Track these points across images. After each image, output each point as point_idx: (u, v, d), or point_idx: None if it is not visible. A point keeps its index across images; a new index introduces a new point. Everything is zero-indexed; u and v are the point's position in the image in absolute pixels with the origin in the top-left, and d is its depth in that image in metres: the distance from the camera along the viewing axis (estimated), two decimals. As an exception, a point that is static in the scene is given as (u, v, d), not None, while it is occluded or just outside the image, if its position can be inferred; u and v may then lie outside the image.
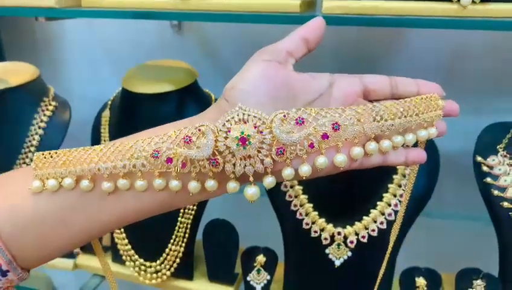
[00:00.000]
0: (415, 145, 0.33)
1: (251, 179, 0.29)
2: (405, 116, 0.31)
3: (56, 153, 0.30)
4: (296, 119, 0.28)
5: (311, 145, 0.28)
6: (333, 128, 0.28)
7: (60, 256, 0.32)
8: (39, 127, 0.62)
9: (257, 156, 0.28)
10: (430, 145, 0.54)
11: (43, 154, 0.30)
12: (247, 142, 0.27)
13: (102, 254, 0.37)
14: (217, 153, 0.28)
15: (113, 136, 0.60)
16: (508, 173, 0.51)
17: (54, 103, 0.64)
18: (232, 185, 0.29)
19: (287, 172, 0.29)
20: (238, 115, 0.28)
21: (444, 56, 0.67)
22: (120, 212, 0.30)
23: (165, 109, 0.55)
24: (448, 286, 0.58)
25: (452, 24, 0.40)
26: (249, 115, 0.28)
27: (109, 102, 0.62)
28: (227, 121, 0.28)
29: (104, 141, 0.60)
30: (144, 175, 0.29)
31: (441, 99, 0.33)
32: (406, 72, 0.69)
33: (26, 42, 0.88)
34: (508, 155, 0.52)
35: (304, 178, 0.29)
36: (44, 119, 0.62)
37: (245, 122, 0.27)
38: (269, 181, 0.29)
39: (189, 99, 0.56)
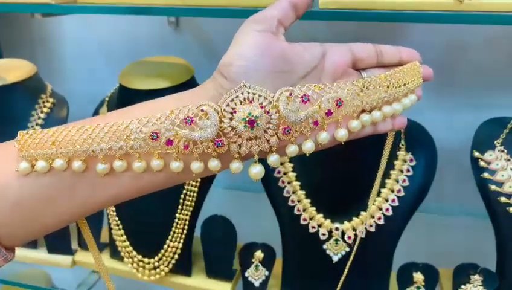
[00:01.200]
0: None
1: (256, 158, 0.28)
2: (395, 87, 0.31)
3: (42, 131, 0.28)
4: (302, 96, 0.28)
5: (316, 123, 0.28)
6: (337, 104, 0.28)
7: (46, 234, 0.30)
8: (37, 124, 0.62)
9: (264, 136, 0.27)
10: (427, 140, 0.55)
11: (27, 133, 0.28)
12: (255, 124, 0.27)
13: (98, 253, 0.37)
14: (221, 134, 0.27)
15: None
16: (505, 168, 0.51)
17: (51, 100, 0.64)
18: (236, 165, 0.28)
19: (291, 149, 0.28)
20: (242, 94, 0.27)
21: (441, 51, 0.67)
22: (115, 192, 0.29)
23: (162, 105, 0.54)
24: (446, 281, 0.58)
25: (449, 18, 0.40)
26: (254, 94, 0.27)
27: (106, 98, 0.62)
28: (231, 101, 0.27)
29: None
30: (142, 156, 0.28)
31: (420, 66, 0.34)
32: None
33: (22, 39, 0.88)
34: (505, 150, 0.52)
35: (307, 154, 0.29)
36: (42, 116, 0.62)
37: (250, 102, 0.27)
38: (274, 159, 0.28)
39: (187, 96, 0.56)
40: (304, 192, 0.54)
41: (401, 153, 0.52)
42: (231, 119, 0.27)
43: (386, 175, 0.52)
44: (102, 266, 0.39)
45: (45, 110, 0.63)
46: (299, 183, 0.54)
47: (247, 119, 0.26)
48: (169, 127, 0.27)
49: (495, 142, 0.53)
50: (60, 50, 0.88)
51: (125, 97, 0.56)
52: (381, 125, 0.33)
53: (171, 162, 0.28)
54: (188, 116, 0.27)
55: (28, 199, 0.28)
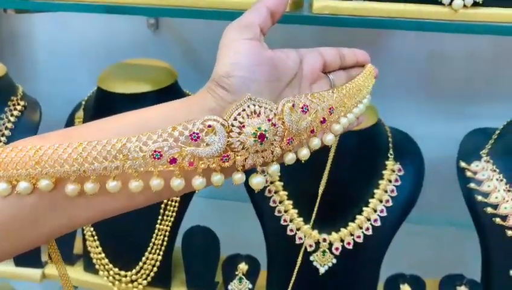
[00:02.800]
0: None
1: (258, 169, 0.28)
2: (361, 90, 0.34)
3: (23, 149, 0.25)
4: (302, 107, 0.28)
5: (313, 131, 0.29)
6: (329, 112, 0.30)
7: (20, 253, 0.27)
8: (6, 128, 0.58)
9: (269, 148, 0.27)
10: (414, 150, 0.54)
11: (3, 150, 0.25)
12: (265, 138, 0.26)
13: (62, 264, 0.34)
14: (228, 149, 0.26)
15: (88, 138, 0.56)
16: (491, 179, 0.51)
17: (22, 103, 0.60)
18: (238, 176, 0.27)
19: (289, 157, 0.29)
20: (249, 107, 0.26)
21: (425, 61, 0.67)
22: (103, 211, 0.27)
23: (144, 110, 0.52)
24: (432, 291, 0.57)
25: (443, 27, 0.40)
26: (260, 106, 0.26)
27: (83, 102, 0.59)
28: (238, 115, 0.26)
29: (77, 143, 0.57)
30: (140, 175, 0.26)
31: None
32: (388, 76, 0.69)
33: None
34: (490, 161, 0.52)
35: (303, 161, 0.30)
36: (11, 120, 0.58)
37: (258, 115, 0.26)
38: (274, 168, 0.28)
39: (169, 100, 0.53)
40: (291, 202, 0.52)
41: (390, 163, 0.52)
42: (239, 133, 0.26)
43: (375, 185, 0.51)
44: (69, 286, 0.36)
45: (15, 113, 0.59)
46: (286, 193, 0.52)
47: (257, 134, 0.26)
48: (172, 144, 0.25)
49: (481, 152, 0.53)
50: (31, 49, 0.83)
51: (104, 101, 0.53)
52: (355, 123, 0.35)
53: (172, 179, 0.26)
54: (193, 132, 0.25)
55: (6, 223, 0.25)
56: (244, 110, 0.26)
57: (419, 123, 0.68)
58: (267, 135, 0.26)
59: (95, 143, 0.25)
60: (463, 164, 0.53)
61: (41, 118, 0.61)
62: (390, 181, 0.51)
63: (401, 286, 0.52)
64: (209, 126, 0.25)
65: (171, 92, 0.54)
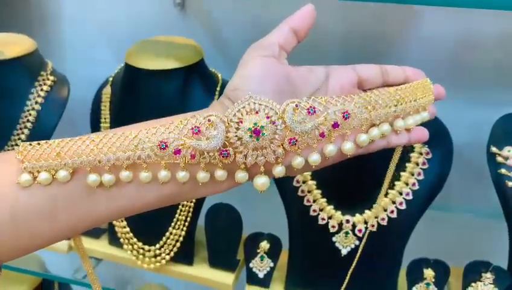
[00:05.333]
0: None
1: (261, 169, 0.28)
2: (405, 102, 0.32)
3: (47, 142, 0.27)
4: (308, 108, 0.28)
5: (322, 135, 0.28)
6: (343, 117, 0.29)
7: (38, 250, 0.29)
8: (36, 102, 0.59)
9: (269, 146, 0.27)
10: (443, 133, 0.53)
11: (30, 144, 0.27)
12: (260, 134, 0.27)
13: (86, 255, 0.36)
14: (227, 144, 0.27)
15: (115, 113, 0.57)
16: (523, 165, 0.49)
17: (52, 78, 0.61)
18: (241, 175, 0.28)
19: (297, 161, 0.28)
20: (249, 105, 0.27)
21: (455, 45, 0.65)
22: (120, 206, 0.28)
23: (170, 86, 0.52)
24: (455, 279, 0.56)
25: (474, 2, 0.38)
26: (260, 105, 0.27)
27: (110, 78, 0.60)
28: (237, 111, 0.27)
29: (105, 118, 0.58)
30: (149, 166, 0.28)
31: (432, 84, 0.35)
32: (416, 62, 0.67)
33: (21, 19, 0.85)
34: (523, 146, 0.50)
35: (313, 167, 0.29)
36: (41, 94, 0.59)
37: (256, 113, 0.27)
38: (279, 170, 0.29)
39: (195, 78, 0.53)
40: (315, 182, 0.52)
41: (417, 145, 0.51)
42: (237, 129, 0.27)
43: (401, 168, 0.50)
44: (90, 270, 0.38)
45: (45, 88, 0.60)
46: (310, 173, 0.52)
47: (252, 129, 0.27)
48: (177, 136, 0.27)
49: (513, 137, 0.51)
50: (59, 31, 0.84)
51: (131, 77, 0.54)
52: (395, 138, 0.33)
53: (177, 172, 0.28)
54: (195, 126, 0.27)
55: (27, 212, 0.27)
56: (243, 107, 0.27)
57: (448, 109, 0.66)
58: (263, 131, 0.27)
59: (111, 135, 0.27)
60: (494, 149, 0.51)
61: (69, 94, 0.62)
62: (417, 164, 0.50)
63: (425, 270, 0.52)
64: (209, 120, 0.27)
65: (197, 70, 0.54)
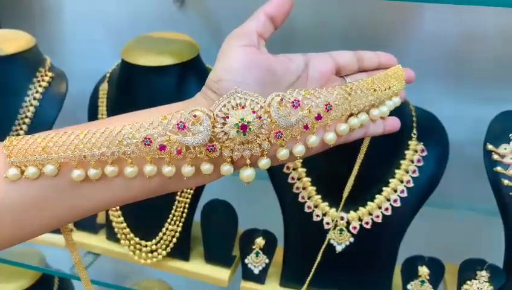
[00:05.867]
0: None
1: (248, 162, 0.28)
2: (381, 90, 0.33)
3: (32, 136, 0.27)
4: (292, 101, 0.28)
5: (306, 127, 0.29)
6: (326, 108, 0.29)
7: (30, 239, 0.30)
8: (34, 98, 0.59)
9: (256, 141, 0.28)
10: (439, 131, 0.53)
11: (16, 138, 0.27)
12: (247, 129, 0.27)
13: (74, 245, 0.37)
14: (214, 139, 0.27)
15: (111, 109, 0.57)
16: (520, 163, 0.49)
17: (50, 74, 0.61)
18: (226, 168, 0.29)
19: (282, 153, 0.29)
20: (234, 99, 0.27)
21: (454, 40, 0.65)
22: (106, 199, 0.29)
23: (165, 82, 0.52)
24: (450, 276, 0.56)
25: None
26: (246, 99, 0.27)
27: (107, 74, 0.60)
28: (223, 106, 0.27)
29: (102, 114, 0.58)
30: (134, 161, 0.28)
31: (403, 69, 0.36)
32: (415, 57, 0.67)
33: (22, 14, 0.85)
34: (520, 144, 0.50)
35: (298, 158, 0.30)
36: (40, 90, 0.60)
37: (243, 107, 0.27)
38: (264, 162, 0.29)
39: (191, 74, 0.54)
40: (309, 179, 0.52)
41: (412, 143, 0.50)
42: (224, 124, 0.27)
43: (396, 165, 0.50)
44: (82, 271, 0.39)
45: (43, 84, 0.60)
46: (304, 170, 0.52)
47: (239, 124, 0.27)
48: (162, 132, 0.27)
49: (510, 135, 0.51)
50: (60, 26, 0.85)
51: (127, 73, 0.54)
52: (372, 127, 0.34)
53: (163, 167, 0.28)
54: (180, 122, 0.27)
55: (15, 205, 0.27)
56: (229, 102, 0.27)
57: (446, 105, 0.66)
58: (250, 126, 0.27)
59: (95, 130, 0.27)
60: (490, 147, 0.51)
61: (68, 90, 0.63)
62: (412, 161, 0.50)
63: (419, 268, 0.51)
64: (195, 116, 0.26)
65: (192, 66, 0.54)
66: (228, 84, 0.28)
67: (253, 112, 0.27)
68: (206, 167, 0.28)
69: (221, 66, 0.29)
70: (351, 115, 0.32)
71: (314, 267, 0.52)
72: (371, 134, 0.34)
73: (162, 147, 0.27)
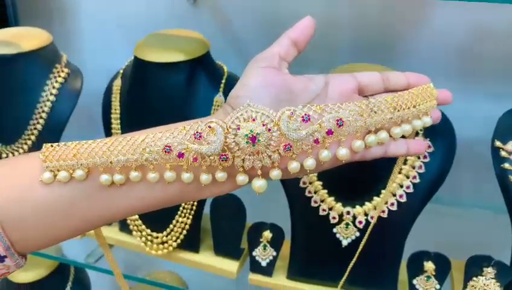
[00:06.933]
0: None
1: (259, 172, 0.30)
2: (403, 109, 0.32)
3: (66, 144, 0.30)
4: (303, 116, 0.29)
5: (317, 141, 0.30)
6: (337, 124, 0.30)
7: (59, 243, 0.32)
8: (51, 94, 0.61)
9: (265, 152, 0.29)
10: (447, 127, 0.53)
11: (51, 145, 0.30)
12: (256, 140, 0.29)
13: (107, 246, 0.39)
14: (226, 149, 0.29)
15: (124, 103, 0.59)
16: (528, 160, 0.49)
17: (66, 70, 0.63)
18: (241, 178, 0.30)
19: (293, 165, 0.30)
20: (246, 112, 0.29)
21: (464, 37, 0.64)
22: (129, 204, 0.31)
23: (176, 78, 0.54)
24: (457, 273, 0.56)
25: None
26: (257, 112, 0.29)
27: (121, 71, 0.62)
28: (236, 118, 0.29)
29: (115, 109, 0.60)
30: (156, 168, 0.30)
31: (435, 89, 0.35)
32: (424, 53, 0.66)
33: (40, 12, 0.88)
34: (528, 141, 0.50)
35: (309, 171, 0.31)
36: (56, 86, 0.62)
37: (253, 120, 0.29)
38: (275, 174, 0.30)
39: (201, 70, 0.55)
40: (316, 174, 0.53)
41: (419, 139, 0.51)
42: (235, 135, 0.29)
43: (402, 160, 0.50)
44: (116, 269, 0.42)
45: (59, 80, 0.62)
46: (311, 164, 0.53)
47: (249, 135, 0.28)
48: (181, 141, 0.29)
49: (518, 132, 0.51)
50: (76, 24, 0.87)
51: (139, 69, 0.56)
52: (393, 147, 0.34)
53: (182, 173, 0.30)
54: (197, 132, 0.29)
55: (47, 207, 0.30)
56: (242, 114, 0.29)
57: (456, 102, 0.65)
58: (259, 138, 0.29)
59: (121, 139, 0.30)
60: (498, 143, 0.51)
61: (83, 86, 0.65)
62: (418, 157, 0.50)
63: (425, 263, 0.52)
64: (210, 127, 0.29)
65: (202, 63, 0.55)
66: (244, 100, 0.30)
67: (263, 125, 0.29)
68: (220, 175, 0.30)
69: (240, 84, 0.32)
70: (370, 132, 0.32)
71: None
72: (392, 154, 0.34)
73: (181, 155, 0.29)
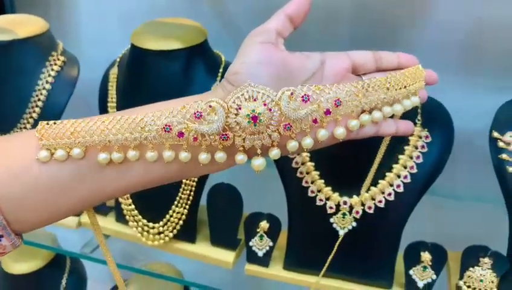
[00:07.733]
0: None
1: (259, 151, 0.30)
2: (395, 89, 0.33)
3: (62, 122, 0.30)
4: (302, 96, 0.29)
5: (315, 121, 0.30)
6: (335, 104, 0.30)
7: (55, 222, 0.32)
8: (47, 82, 0.61)
9: (266, 131, 0.29)
10: (445, 118, 0.53)
11: (47, 123, 0.30)
12: (258, 120, 0.29)
13: (99, 228, 0.38)
14: (227, 129, 0.29)
15: (121, 91, 0.59)
16: (525, 150, 0.49)
17: (62, 58, 0.63)
18: (240, 157, 0.30)
19: (292, 144, 0.30)
20: (247, 92, 0.29)
21: (464, 29, 0.64)
22: (127, 182, 0.31)
23: (173, 66, 0.53)
24: (454, 263, 0.57)
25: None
26: (258, 92, 0.29)
27: (118, 59, 0.61)
28: (237, 98, 0.29)
29: (111, 97, 0.59)
30: (154, 146, 0.30)
31: (423, 70, 0.37)
32: (425, 44, 0.66)
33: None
34: (526, 132, 0.50)
35: (306, 150, 0.31)
36: (52, 74, 0.61)
37: (255, 100, 0.29)
38: (275, 153, 0.30)
39: (198, 59, 0.54)
40: (313, 164, 0.52)
41: (417, 129, 0.50)
42: (236, 115, 0.29)
43: (400, 151, 0.50)
44: (107, 253, 0.41)
45: (55, 68, 0.62)
46: (308, 155, 0.53)
47: (250, 115, 0.29)
48: (180, 120, 0.29)
49: (516, 123, 0.51)
50: (73, 11, 0.86)
51: (136, 57, 0.55)
52: (384, 126, 0.35)
53: (180, 153, 0.30)
54: (197, 111, 0.29)
55: (43, 185, 0.29)
56: (242, 94, 0.29)
57: (455, 93, 0.65)
58: (260, 118, 0.29)
59: (119, 117, 0.30)
60: (496, 134, 0.51)
61: (79, 75, 0.64)
62: (416, 147, 0.50)
63: (422, 254, 0.52)
64: (210, 106, 0.29)
65: (200, 51, 0.55)
66: (243, 77, 0.30)
67: (264, 105, 0.29)
68: (220, 156, 0.30)
69: (238, 60, 0.31)
70: (363, 111, 0.33)
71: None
72: (382, 133, 0.35)
73: (181, 134, 0.29)
